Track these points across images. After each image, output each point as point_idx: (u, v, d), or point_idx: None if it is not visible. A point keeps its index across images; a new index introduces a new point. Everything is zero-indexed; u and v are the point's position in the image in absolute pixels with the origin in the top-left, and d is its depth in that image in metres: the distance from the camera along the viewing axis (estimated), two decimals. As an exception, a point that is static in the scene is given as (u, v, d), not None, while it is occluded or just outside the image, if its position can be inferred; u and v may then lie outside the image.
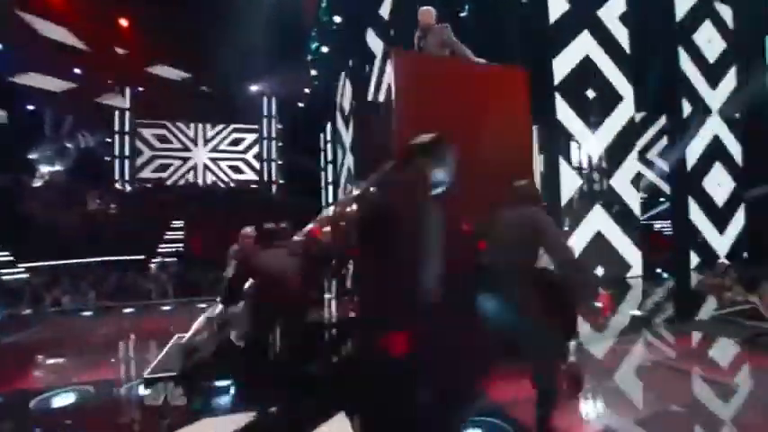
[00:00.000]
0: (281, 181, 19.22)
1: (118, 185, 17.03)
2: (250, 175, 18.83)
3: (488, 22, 10.32)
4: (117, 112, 17.49)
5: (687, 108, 11.25)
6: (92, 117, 16.69)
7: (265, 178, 19.01)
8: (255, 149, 19.02)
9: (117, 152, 17.51)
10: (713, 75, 11.33)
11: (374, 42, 11.49)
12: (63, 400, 4.22)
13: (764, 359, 4.63)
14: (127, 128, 17.63)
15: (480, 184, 3.31)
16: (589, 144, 10.09)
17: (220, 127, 18.48)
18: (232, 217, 15.03)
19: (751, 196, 11.36)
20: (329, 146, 19.30)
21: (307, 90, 17.01)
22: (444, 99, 3.81)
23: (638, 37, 10.31)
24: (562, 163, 9.87)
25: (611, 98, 10.14)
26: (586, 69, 9.96)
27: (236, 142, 18.74)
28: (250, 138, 18.92)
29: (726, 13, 11.64)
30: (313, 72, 15.87)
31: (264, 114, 19.07)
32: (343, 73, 13.71)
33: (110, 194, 16.12)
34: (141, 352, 5.77)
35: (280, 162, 19.31)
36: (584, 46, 10.03)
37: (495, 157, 3.76)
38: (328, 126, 18.95)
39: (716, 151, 11.37)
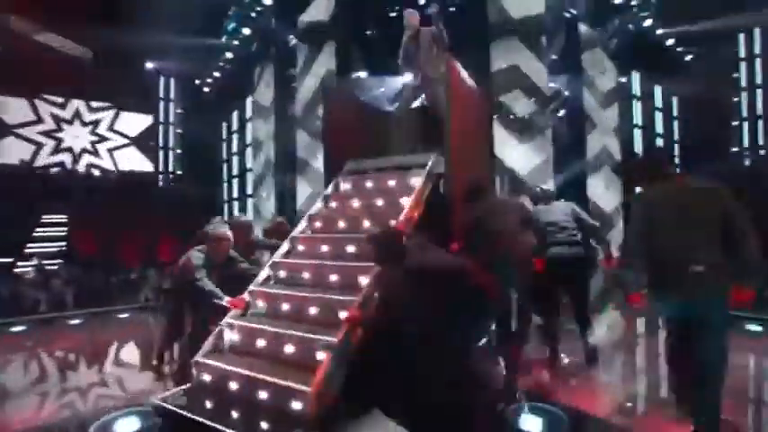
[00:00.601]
0: (179, 172, 17.15)
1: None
2: (143, 164, 16.34)
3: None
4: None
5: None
6: None
7: (161, 168, 16.75)
8: (150, 135, 16.58)
9: (-46, 126, 13.73)
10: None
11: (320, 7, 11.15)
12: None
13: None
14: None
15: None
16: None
17: (105, 106, 15.65)
18: (124, 211, 13.04)
19: None
20: (235, 136, 17.84)
21: (216, 74, 15.40)
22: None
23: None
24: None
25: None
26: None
27: (124, 125, 16.08)
28: (143, 121, 16.43)
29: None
30: (228, 55, 14.41)
31: (162, 96, 16.76)
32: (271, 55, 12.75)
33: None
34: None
35: (179, 151, 17.22)
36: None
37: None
38: (235, 114, 17.51)
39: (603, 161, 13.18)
